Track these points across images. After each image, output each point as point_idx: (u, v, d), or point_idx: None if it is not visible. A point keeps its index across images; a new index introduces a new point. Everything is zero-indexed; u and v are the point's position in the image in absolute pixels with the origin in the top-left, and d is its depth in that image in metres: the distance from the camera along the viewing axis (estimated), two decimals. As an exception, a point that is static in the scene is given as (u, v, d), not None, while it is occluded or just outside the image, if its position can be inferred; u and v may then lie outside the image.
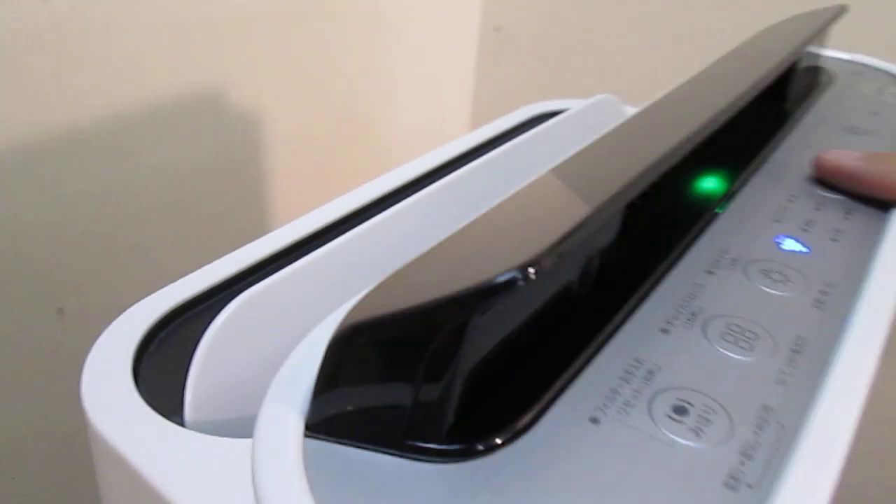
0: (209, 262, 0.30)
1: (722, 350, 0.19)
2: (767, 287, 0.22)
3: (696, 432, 0.17)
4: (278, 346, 0.27)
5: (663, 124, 0.25)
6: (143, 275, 0.59)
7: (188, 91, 0.62)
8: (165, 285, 0.29)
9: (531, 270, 0.14)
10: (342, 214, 0.36)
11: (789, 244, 0.24)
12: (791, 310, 0.21)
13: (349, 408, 0.16)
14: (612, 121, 0.37)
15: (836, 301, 0.22)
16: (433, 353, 0.15)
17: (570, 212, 0.18)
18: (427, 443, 0.16)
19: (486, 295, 0.14)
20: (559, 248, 0.15)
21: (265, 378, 0.26)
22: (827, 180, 0.28)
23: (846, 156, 0.28)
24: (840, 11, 0.35)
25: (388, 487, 0.15)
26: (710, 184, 0.28)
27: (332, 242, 0.28)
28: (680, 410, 0.17)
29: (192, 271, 0.30)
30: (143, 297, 0.29)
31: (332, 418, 0.16)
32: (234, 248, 0.31)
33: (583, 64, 0.91)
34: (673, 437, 0.17)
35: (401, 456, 0.16)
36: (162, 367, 0.27)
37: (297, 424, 0.16)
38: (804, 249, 0.24)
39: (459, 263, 0.17)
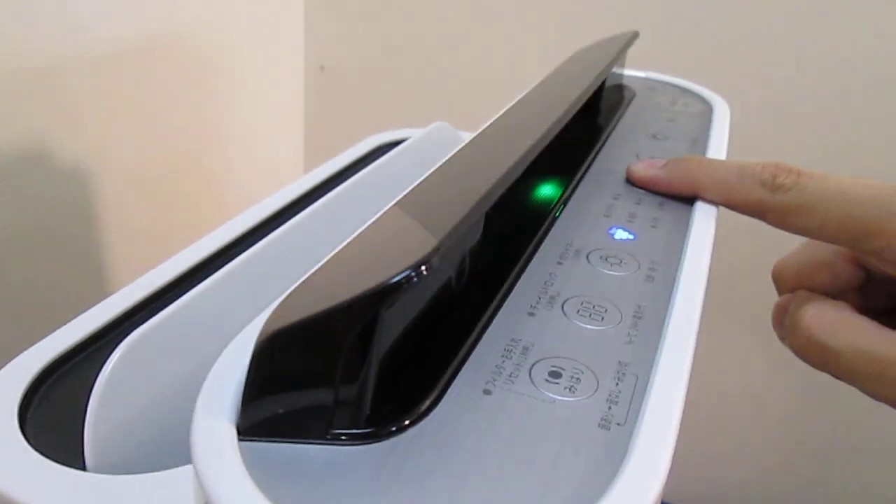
0: (40, 337, 0.30)
1: (580, 323, 0.23)
2: (607, 269, 0.26)
3: (571, 389, 0.20)
4: (170, 381, 0.28)
5: (503, 143, 0.28)
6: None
7: (5, 148, 0.59)
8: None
9: (423, 267, 0.17)
10: (206, 254, 0.37)
11: (619, 234, 0.29)
12: (628, 285, 0.25)
13: (279, 410, 0.18)
14: (450, 145, 0.41)
15: (662, 275, 0.26)
16: (349, 350, 0.17)
17: (440, 222, 0.20)
18: (349, 430, 0.18)
19: (393, 290, 0.17)
20: (441, 249, 0.18)
21: (162, 413, 0.27)
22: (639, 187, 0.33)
23: (650, 165, 0.33)
24: (634, 36, 0.42)
25: (321, 472, 0.17)
26: (547, 191, 0.33)
27: (205, 282, 0.30)
28: (555, 374, 0.21)
29: (20, 346, 0.29)
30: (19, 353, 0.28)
31: (262, 421, 0.18)
32: (70, 318, 0.31)
33: (406, 97, 0.96)
34: (553, 395, 0.20)
35: (328, 444, 0.18)
36: (50, 419, 0.27)
37: (230, 431, 0.17)
38: (631, 236, 0.29)
39: (358, 269, 0.19)
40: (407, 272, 0.17)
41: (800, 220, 0.27)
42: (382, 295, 0.17)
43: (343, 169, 0.47)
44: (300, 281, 0.20)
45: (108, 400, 0.25)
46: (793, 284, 0.32)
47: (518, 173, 0.25)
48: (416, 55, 0.92)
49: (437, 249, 0.18)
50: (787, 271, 0.32)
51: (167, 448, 0.27)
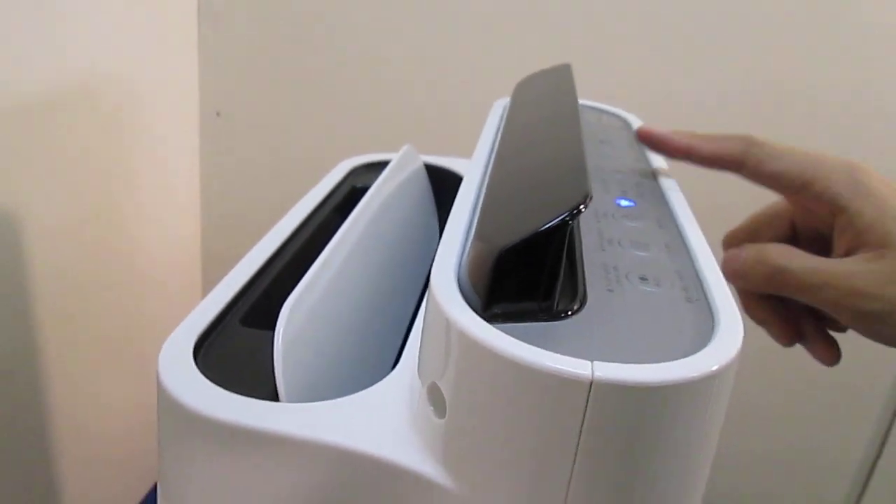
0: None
1: (636, 252, 0.34)
2: (631, 223, 0.37)
3: (658, 284, 0.31)
4: (327, 327, 0.35)
5: (554, 146, 0.38)
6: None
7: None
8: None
9: (588, 196, 0.27)
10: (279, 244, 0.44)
11: (623, 202, 0.40)
12: (651, 230, 0.36)
13: (510, 304, 0.26)
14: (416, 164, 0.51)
15: (667, 222, 0.37)
16: (553, 256, 0.26)
17: (572, 176, 0.30)
18: (549, 313, 0.27)
19: (580, 208, 0.26)
20: (590, 187, 0.28)
21: (328, 352, 0.34)
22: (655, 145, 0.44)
23: (674, 132, 0.44)
24: (569, 68, 0.54)
25: (543, 337, 0.26)
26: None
27: (322, 256, 0.37)
28: (643, 279, 0.31)
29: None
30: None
31: (499, 313, 0.26)
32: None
33: (302, 139, 1.03)
34: (649, 288, 0.30)
35: (542, 322, 0.27)
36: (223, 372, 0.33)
37: (479, 319, 0.26)
38: (632, 203, 0.40)
39: (535, 204, 0.28)
40: (585, 195, 0.27)
41: (769, 167, 0.40)
42: (577, 212, 0.26)
43: (333, 189, 0.55)
44: (479, 212, 0.29)
45: (289, 349, 0.32)
46: (743, 240, 0.45)
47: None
48: (309, 99, 1.00)
49: (588, 188, 0.28)
50: (740, 233, 0.45)
51: (334, 380, 0.34)
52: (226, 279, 0.41)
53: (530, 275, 0.27)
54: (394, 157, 0.57)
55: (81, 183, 0.81)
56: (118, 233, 0.89)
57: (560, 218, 0.26)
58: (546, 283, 0.27)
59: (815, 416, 1.03)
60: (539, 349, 0.24)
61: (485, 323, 0.25)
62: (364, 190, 0.57)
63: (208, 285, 1.12)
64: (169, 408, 0.32)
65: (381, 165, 0.62)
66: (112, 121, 0.84)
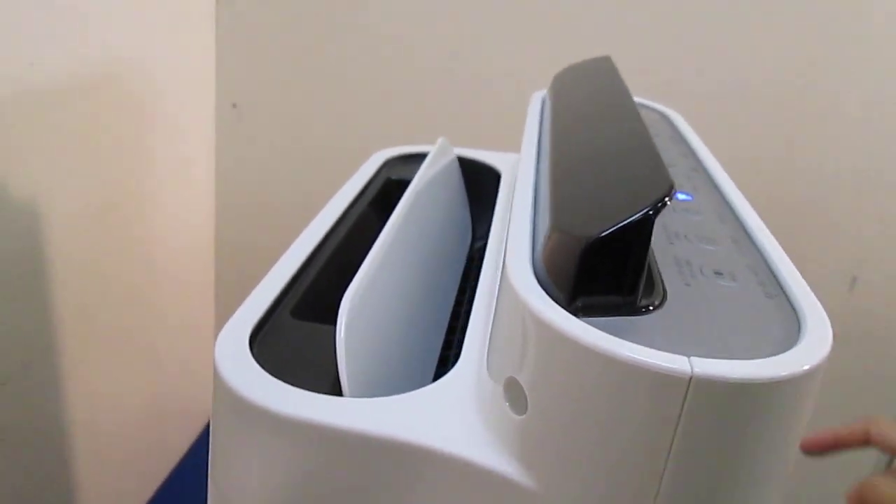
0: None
1: (706, 246, 0.33)
2: (693, 216, 0.36)
3: (733, 279, 0.30)
4: (385, 323, 0.34)
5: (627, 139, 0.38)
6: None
7: None
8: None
9: (672, 188, 0.26)
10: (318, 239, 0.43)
11: (681, 195, 0.39)
12: (712, 223, 0.36)
13: (595, 297, 0.26)
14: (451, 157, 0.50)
15: (727, 215, 0.37)
16: (639, 248, 0.26)
17: (649, 167, 0.29)
18: (631, 307, 0.26)
19: (663, 203, 0.25)
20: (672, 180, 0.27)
21: (388, 349, 0.33)
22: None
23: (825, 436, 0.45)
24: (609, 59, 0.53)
25: (628, 330, 0.25)
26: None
27: (373, 252, 0.36)
28: (717, 273, 0.30)
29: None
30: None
31: (587, 306, 0.25)
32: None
33: (320, 129, 1.02)
34: (726, 283, 0.29)
35: (628, 316, 0.26)
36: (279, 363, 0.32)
37: (566, 314, 0.25)
38: (689, 197, 0.39)
39: (615, 197, 0.27)
40: (670, 186, 0.26)
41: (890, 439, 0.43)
42: (663, 204, 0.25)
43: (369, 181, 0.54)
44: (551, 204, 0.28)
45: (351, 343, 0.31)
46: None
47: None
48: (325, 91, 0.99)
49: (671, 179, 0.27)
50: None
51: (390, 374, 0.33)
52: (272, 271, 0.40)
53: (616, 267, 0.26)
54: (430, 150, 0.56)
55: (98, 172, 0.80)
56: (134, 222, 0.88)
57: (647, 209, 0.25)
58: (631, 277, 0.26)
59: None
60: (634, 345, 0.23)
61: (573, 317, 0.25)
62: (399, 182, 0.57)
63: (221, 275, 1.11)
64: (229, 402, 0.31)
65: (414, 157, 0.61)
66: (129, 111, 0.83)
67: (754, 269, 0.31)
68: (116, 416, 0.92)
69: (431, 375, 0.39)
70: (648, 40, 0.90)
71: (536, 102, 0.54)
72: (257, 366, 0.32)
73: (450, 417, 0.29)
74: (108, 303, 0.86)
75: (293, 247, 0.43)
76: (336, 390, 0.31)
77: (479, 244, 0.59)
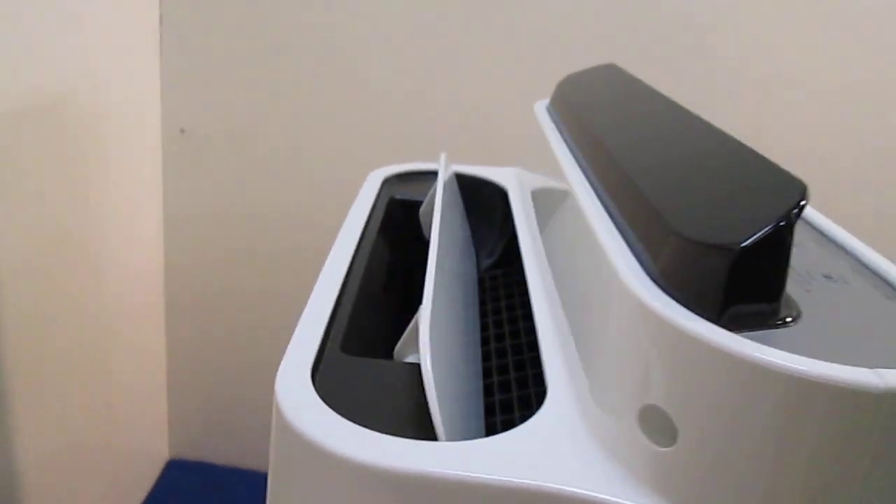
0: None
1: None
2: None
3: (845, 282, 0.28)
4: (453, 363, 0.31)
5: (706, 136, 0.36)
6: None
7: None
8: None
9: (806, 192, 0.24)
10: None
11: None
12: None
13: (741, 307, 0.23)
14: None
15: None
16: (784, 257, 0.24)
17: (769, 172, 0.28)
18: (771, 321, 0.24)
19: (804, 205, 0.24)
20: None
21: (458, 393, 0.30)
22: None
23: None
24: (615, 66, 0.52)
25: (782, 342, 0.23)
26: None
27: (428, 287, 0.33)
28: (827, 277, 0.29)
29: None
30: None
31: (739, 318, 0.23)
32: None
33: (271, 153, 0.97)
34: (842, 287, 0.28)
35: (772, 327, 0.24)
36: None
37: (716, 328, 0.23)
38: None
39: (742, 204, 0.25)
40: (804, 188, 0.24)
41: None
42: (804, 205, 0.24)
43: (374, 203, 0.51)
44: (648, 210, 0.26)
45: (438, 381, 0.28)
46: None
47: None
48: (275, 114, 0.95)
49: (800, 179, 0.25)
50: None
51: (463, 414, 0.30)
52: (310, 305, 0.36)
53: (763, 276, 0.24)
54: (430, 167, 0.54)
55: (44, 198, 0.73)
56: (79, 254, 0.81)
57: (790, 211, 0.24)
58: (777, 285, 0.24)
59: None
60: (816, 360, 0.21)
61: (733, 334, 0.22)
62: (404, 203, 0.54)
63: (171, 304, 1.04)
64: (303, 453, 0.27)
65: (412, 175, 0.58)
66: (75, 135, 0.77)
67: (856, 269, 0.30)
68: (69, 455, 0.84)
69: (482, 414, 0.36)
70: (630, 56, 0.90)
71: (542, 112, 0.53)
72: (334, 413, 0.28)
73: (570, 456, 0.26)
74: (55, 330, 0.79)
75: (322, 278, 0.39)
76: (422, 434, 0.28)
77: (485, 264, 0.56)
